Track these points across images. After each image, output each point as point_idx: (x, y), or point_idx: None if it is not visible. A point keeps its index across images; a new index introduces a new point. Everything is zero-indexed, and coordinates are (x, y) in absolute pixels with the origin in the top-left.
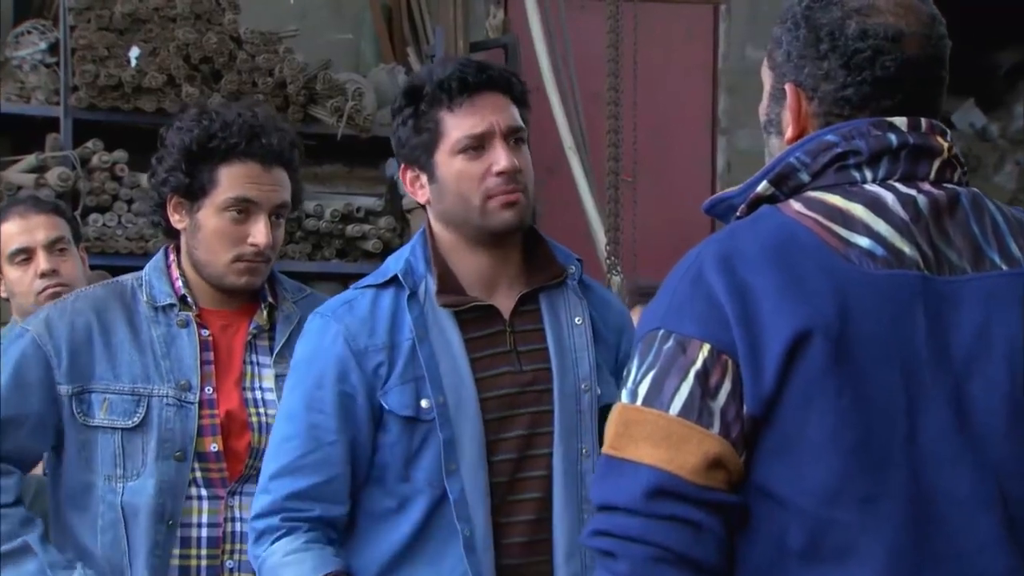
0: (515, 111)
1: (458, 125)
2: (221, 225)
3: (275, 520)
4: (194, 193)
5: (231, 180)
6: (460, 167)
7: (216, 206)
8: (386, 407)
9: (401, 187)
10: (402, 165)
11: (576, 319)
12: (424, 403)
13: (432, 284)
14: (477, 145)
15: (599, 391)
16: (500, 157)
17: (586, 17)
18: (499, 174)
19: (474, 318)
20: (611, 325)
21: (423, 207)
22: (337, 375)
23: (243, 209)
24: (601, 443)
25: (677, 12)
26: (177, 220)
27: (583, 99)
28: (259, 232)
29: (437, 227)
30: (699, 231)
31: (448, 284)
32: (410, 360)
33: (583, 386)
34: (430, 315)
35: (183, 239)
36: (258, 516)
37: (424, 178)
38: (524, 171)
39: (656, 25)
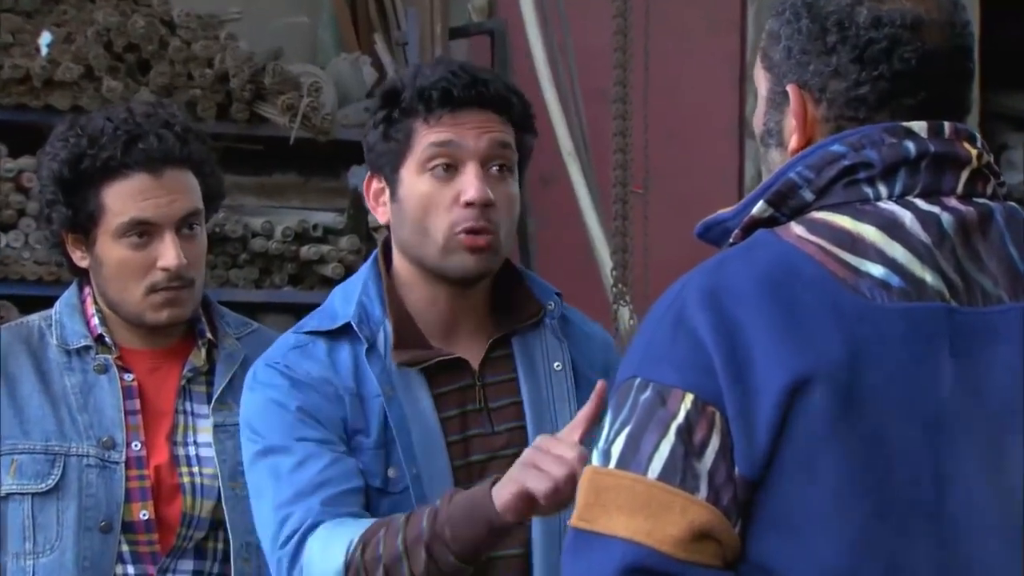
0: (507, 134)
1: (429, 138)
2: (122, 255)
3: (308, 524)
4: (84, 225)
5: (118, 201)
6: (425, 189)
7: (111, 235)
8: None
9: (368, 204)
10: (369, 173)
11: (555, 364)
12: (392, 472)
13: (391, 331)
14: (448, 165)
15: (583, 449)
16: (470, 185)
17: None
18: (466, 205)
19: (441, 369)
20: (596, 363)
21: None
22: (316, 406)
23: (142, 231)
24: None
25: None
26: (79, 257)
27: (585, 96)
28: (167, 253)
29: (397, 255)
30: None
31: (406, 335)
32: (383, 422)
33: None
34: (394, 369)
35: (91, 277)
36: (287, 540)
37: (387, 194)
38: (500, 206)
39: (672, 10)
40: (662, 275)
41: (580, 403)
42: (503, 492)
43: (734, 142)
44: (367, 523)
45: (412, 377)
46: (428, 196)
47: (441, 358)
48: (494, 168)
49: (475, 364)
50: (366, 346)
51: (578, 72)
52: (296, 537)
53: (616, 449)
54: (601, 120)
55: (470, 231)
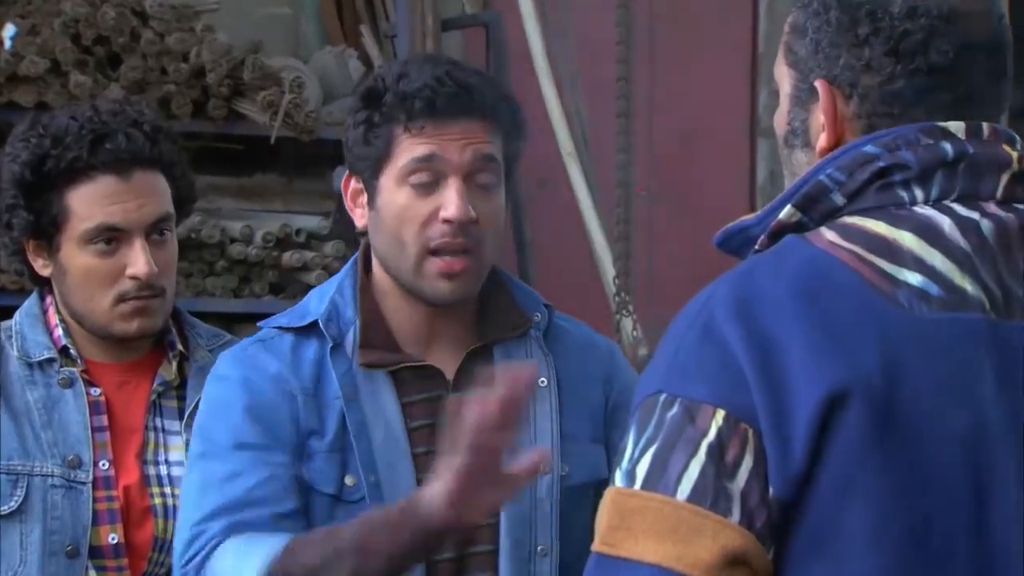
0: (493, 144)
1: (410, 149)
2: (88, 263)
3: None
4: (47, 231)
5: (84, 205)
6: (403, 202)
7: (76, 241)
8: (305, 477)
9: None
10: (348, 171)
11: (539, 380)
12: (349, 480)
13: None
14: (429, 179)
15: (565, 470)
16: (450, 200)
17: None
18: (445, 221)
19: (411, 377)
20: (593, 375)
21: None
22: (265, 406)
23: (110, 238)
24: (569, 537)
25: None
26: (41, 266)
27: (586, 92)
28: (136, 260)
29: (375, 260)
30: (733, 259)
31: (374, 337)
32: (340, 426)
33: (541, 467)
34: (359, 372)
35: (54, 286)
36: (192, 557)
37: (365, 197)
38: (483, 223)
39: None
40: (667, 284)
41: (571, 420)
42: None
43: (745, 140)
44: (292, 535)
45: (379, 382)
46: (406, 209)
47: (410, 363)
48: (478, 181)
49: (449, 374)
50: (331, 344)
51: (579, 66)
52: (202, 554)
53: (642, 469)
54: (603, 118)
55: (446, 251)
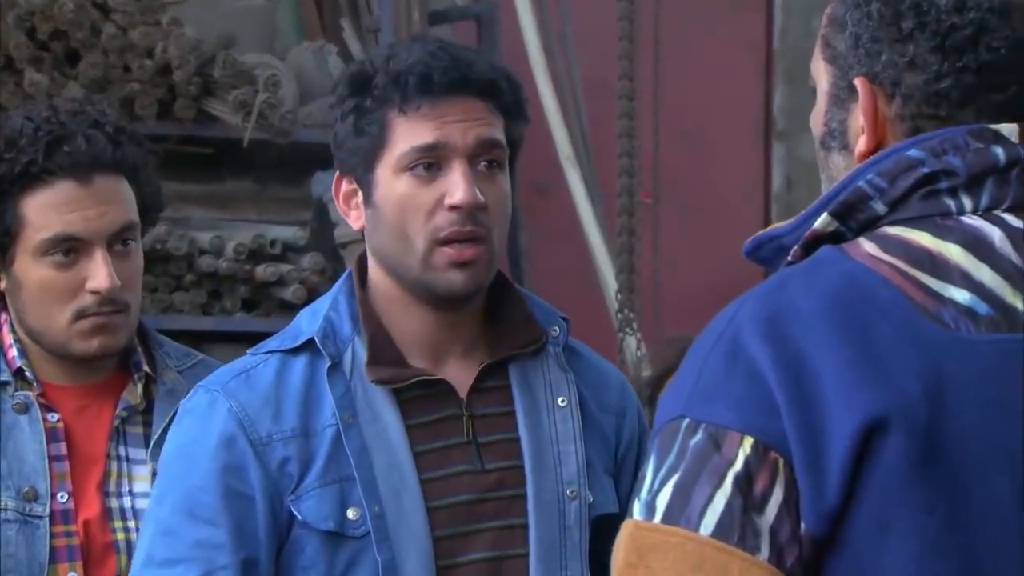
0: (496, 125)
1: (408, 133)
2: (45, 276)
3: None
4: (0, 242)
5: (40, 213)
6: (404, 191)
7: (31, 252)
8: (299, 517)
9: (333, 210)
10: (337, 173)
11: (559, 399)
12: (352, 513)
13: (361, 351)
14: (430, 163)
15: (591, 498)
16: (456, 186)
17: None
18: (452, 208)
19: (419, 396)
20: (608, 405)
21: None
22: (228, 471)
23: (69, 249)
24: (594, 571)
25: None
26: None
27: (586, 91)
28: (98, 273)
29: (373, 267)
30: (746, 272)
31: (382, 351)
32: (333, 454)
33: (569, 492)
34: (359, 393)
35: (8, 302)
36: None
37: (360, 197)
38: (492, 209)
39: None
40: (674, 300)
41: (589, 446)
42: None
43: (759, 143)
44: None
45: (381, 403)
46: (408, 199)
47: (422, 378)
48: (483, 164)
49: (462, 392)
50: (329, 363)
51: (578, 63)
52: None
53: (662, 501)
54: (604, 119)
55: (456, 239)
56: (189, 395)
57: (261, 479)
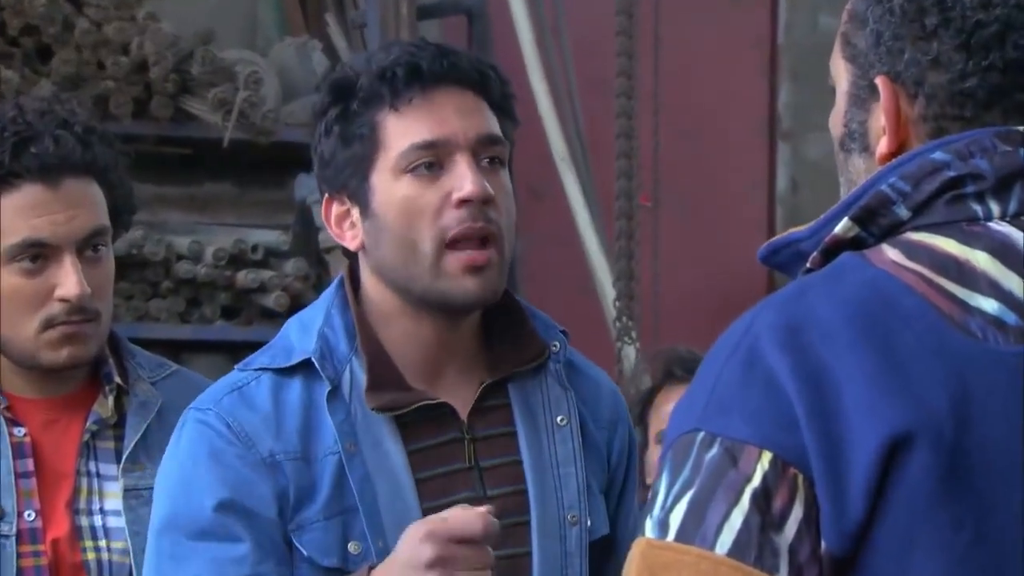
0: (491, 118)
1: (405, 131)
2: (11, 283)
3: None
4: None
5: (6, 218)
6: (406, 192)
7: None
8: (303, 552)
9: (317, 213)
10: (325, 196)
11: (559, 418)
12: (353, 547)
13: (360, 372)
14: (431, 162)
15: (589, 522)
16: (463, 179)
17: None
18: (461, 203)
19: (420, 420)
20: (601, 418)
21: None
22: (236, 488)
23: (36, 255)
24: None
25: None
26: None
27: (582, 90)
28: (67, 280)
29: (371, 280)
30: (750, 280)
31: (383, 375)
32: (336, 485)
33: (570, 517)
34: (359, 418)
35: None
36: None
37: (356, 213)
38: (499, 205)
39: None
40: (675, 308)
41: (586, 466)
42: None
43: (763, 144)
44: None
45: (381, 429)
46: (411, 201)
47: (425, 402)
48: (485, 161)
49: (463, 414)
50: (329, 388)
51: (574, 60)
52: None
53: (676, 518)
54: (602, 118)
55: (467, 237)
56: (180, 422)
57: (272, 493)
